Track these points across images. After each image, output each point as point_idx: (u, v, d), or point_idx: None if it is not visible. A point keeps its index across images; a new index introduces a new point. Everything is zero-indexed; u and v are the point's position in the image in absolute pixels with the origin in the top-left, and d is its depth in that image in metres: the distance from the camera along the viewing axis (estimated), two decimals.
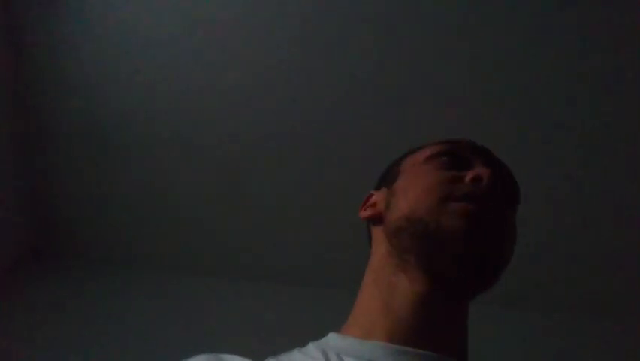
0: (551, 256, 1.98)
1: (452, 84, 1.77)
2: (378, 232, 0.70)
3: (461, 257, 0.59)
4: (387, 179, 0.74)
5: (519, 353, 1.97)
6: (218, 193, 2.06)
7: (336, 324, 0.69)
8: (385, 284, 0.64)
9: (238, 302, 2.14)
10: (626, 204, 1.85)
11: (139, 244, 2.20)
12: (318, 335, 0.68)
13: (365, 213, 0.73)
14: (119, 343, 1.95)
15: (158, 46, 1.86)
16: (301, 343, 0.67)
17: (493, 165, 0.67)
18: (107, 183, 2.10)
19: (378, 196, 0.73)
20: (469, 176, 0.63)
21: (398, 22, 1.73)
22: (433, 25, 1.72)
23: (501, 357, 1.92)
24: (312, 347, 0.64)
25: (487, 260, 0.60)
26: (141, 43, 1.87)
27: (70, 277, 2.21)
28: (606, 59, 1.69)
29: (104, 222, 2.18)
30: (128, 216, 2.16)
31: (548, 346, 1.99)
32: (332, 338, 0.65)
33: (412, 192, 0.65)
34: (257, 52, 1.82)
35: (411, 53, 1.76)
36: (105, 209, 2.16)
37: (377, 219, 0.70)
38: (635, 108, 1.73)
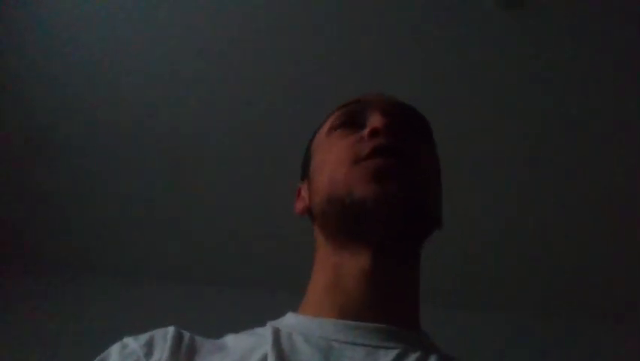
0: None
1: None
2: (315, 225, 0.71)
3: (384, 218, 0.61)
4: (306, 167, 0.75)
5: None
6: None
7: None
8: (330, 267, 0.66)
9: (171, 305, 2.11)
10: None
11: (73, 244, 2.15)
12: None
13: (297, 209, 0.74)
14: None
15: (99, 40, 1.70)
16: None
17: (389, 111, 0.68)
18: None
19: (304, 189, 0.74)
20: (366, 132, 0.65)
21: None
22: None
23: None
24: (268, 325, 0.65)
25: (410, 206, 0.62)
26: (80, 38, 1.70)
27: None
28: None
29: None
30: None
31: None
32: (287, 318, 0.67)
33: (327, 167, 0.66)
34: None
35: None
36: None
37: (309, 213, 0.71)
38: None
